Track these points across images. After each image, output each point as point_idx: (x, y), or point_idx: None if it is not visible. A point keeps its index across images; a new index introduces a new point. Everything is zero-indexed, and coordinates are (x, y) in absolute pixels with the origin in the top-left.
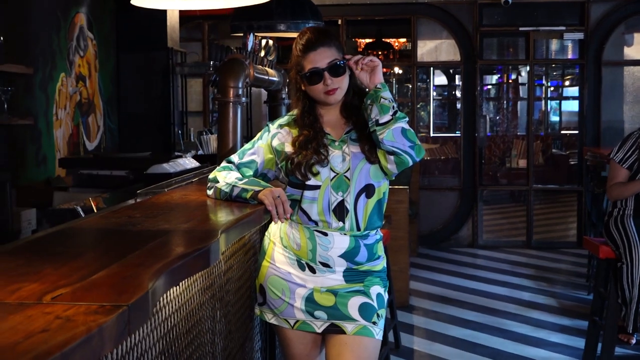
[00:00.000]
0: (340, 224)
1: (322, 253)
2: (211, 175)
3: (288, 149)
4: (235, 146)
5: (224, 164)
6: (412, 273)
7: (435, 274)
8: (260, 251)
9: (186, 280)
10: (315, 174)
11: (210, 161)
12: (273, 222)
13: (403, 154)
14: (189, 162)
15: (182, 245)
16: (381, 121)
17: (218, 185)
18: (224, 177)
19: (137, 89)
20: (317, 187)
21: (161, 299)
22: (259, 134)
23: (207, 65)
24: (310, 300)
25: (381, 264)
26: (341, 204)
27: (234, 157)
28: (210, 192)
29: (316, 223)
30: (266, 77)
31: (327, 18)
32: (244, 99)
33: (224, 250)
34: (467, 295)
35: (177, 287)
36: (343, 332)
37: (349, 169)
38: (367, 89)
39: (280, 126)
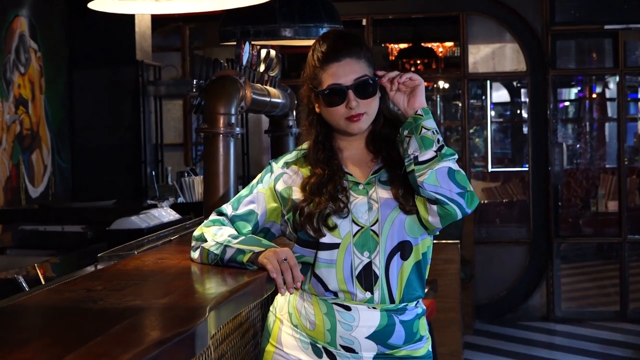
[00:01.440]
0: (368, 294)
1: (344, 334)
2: (196, 232)
3: (296, 195)
4: (228, 192)
5: (213, 216)
6: (466, 357)
7: (499, 357)
8: (264, 332)
9: None
10: (332, 228)
11: (194, 212)
12: (279, 294)
13: (449, 204)
14: (165, 213)
15: (159, 327)
16: (421, 158)
17: (206, 245)
18: (213, 234)
19: (97, 116)
20: (335, 246)
21: None
22: (259, 176)
23: (189, 84)
24: None
25: (425, 348)
26: (368, 268)
27: (227, 208)
28: (195, 255)
29: (335, 294)
30: (267, 100)
31: (347, 17)
32: (238, 129)
33: (214, 333)
34: None
35: None
36: None
37: (377, 221)
38: (403, 116)
39: (287, 164)
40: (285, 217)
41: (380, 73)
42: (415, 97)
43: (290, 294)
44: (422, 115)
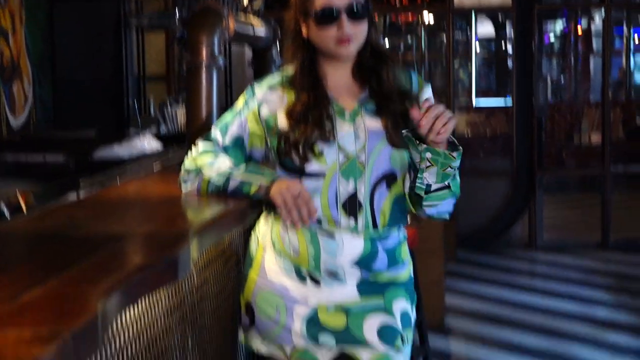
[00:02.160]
0: (352, 222)
1: (328, 260)
2: (188, 163)
3: (281, 121)
4: (210, 124)
5: (203, 145)
6: (448, 285)
7: (480, 285)
8: (246, 259)
9: (147, 298)
10: (318, 156)
11: (176, 142)
12: (262, 220)
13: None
14: (148, 143)
15: (141, 253)
16: (434, 188)
17: (206, 175)
18: (209, 164)
19: (78, 47)
20: (320, 175)
21: (114, 323)
22: (241, 100)
23: (172, 16)
24: (313, 322)
25: (406, 272)
26: (353, 196)
27: (217, 134)
28: (189, 186)
29: (319, 221)
30: (251, 31)
31: None
32: (221, 60)
33: (196, 260)
34: (523, 314)
35: (136, 307)
36: None
37: (364, 151)
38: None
39: (271, 88)
40: (270, 144)
41: (425, 105)
42: (447, 133)
43: (306, 226)
44: (454, 158)
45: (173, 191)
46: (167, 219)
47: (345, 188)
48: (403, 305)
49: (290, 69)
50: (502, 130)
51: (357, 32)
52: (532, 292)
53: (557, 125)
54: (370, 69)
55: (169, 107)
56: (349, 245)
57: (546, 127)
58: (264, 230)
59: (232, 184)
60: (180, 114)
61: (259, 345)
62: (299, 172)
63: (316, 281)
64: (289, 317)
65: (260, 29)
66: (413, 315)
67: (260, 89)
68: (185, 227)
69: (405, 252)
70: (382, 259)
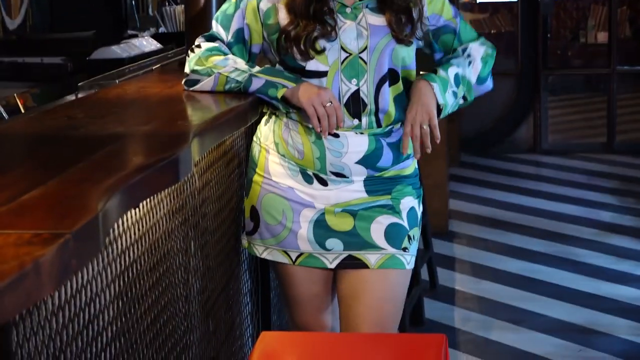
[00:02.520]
0: (356, 121)
1: (333, 161)
2: (194, 63)
3: (282, 15)
4: (210, 20)
5: (206, 43)
6: (452, 189)
7: (484, 189)
8: (249, 162)
9: (149, 200)
10: (320, 52)
11: (176, 42)
12: (263, 122)
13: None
14: (147, 43)
15: (142, 153)
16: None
17: (224, 71)
18: (222, 62)
19: None
20: (322, 74)
21: (116, 225)
22: None
23: None
24: (320, 225)
25: (412, 166)
26: (356, 95)
27: (219, 29)
28: (197, 87)
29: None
30: None
31: None
32: None
33: (198, 160)
34: (527, 217)
35: (137, 209)
36: (364, 265)
37: (366, 47)
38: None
39: None
40: (269, 39)
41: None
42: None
43: (331, 133)
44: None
45: (173, 91)
46: (167, 119)
47: (348, 87)
48: (410, 201)
49: None
50: (507, 29)
51: None
52: (536, 196)
53: (563, 23)
54: None
55: (168, 6)
56: (354, 144)
57: (551, 25)
58: (266, 132)
59: (256, 83)
60: (179, 12)
61: (262, 251)
62: (300, 71)
63: (323, 182)
64: (295, 221)
65: None
66: (420, 211)
67: None
68: (185, 128)
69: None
70: (387, 155)
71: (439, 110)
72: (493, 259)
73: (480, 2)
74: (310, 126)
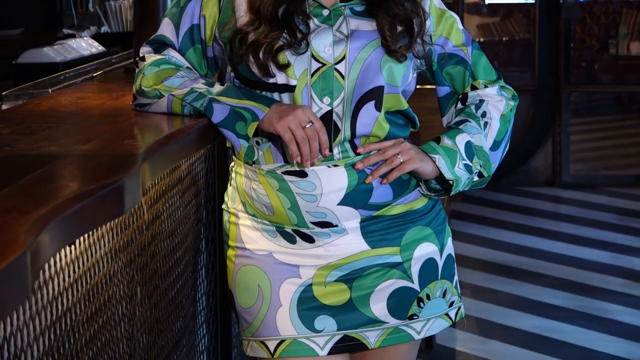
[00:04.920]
0: (326, 152)
1: (310, 208)
2: (138, 81)
3: (241, 10)
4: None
5: (152, 54)
6: (453, 228)
7: (492, 229)
8: (223, 236)
9: (88, 236)
10: (284, 67)
11: (121, 43)
12: (230, 181)
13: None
14: (86, 45)
15: (80, 178)
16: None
17: (177, 93)
18: (174, 80)
19: None
20: (287, 89)
21: (47, 265)
22: None
23: None
24: (307, 301)
25: (422, 198)
26: (327, 117)
27: (168, 31)
28: (147, 108)
29: (283, 158)
30: None
31: None
32: None
33: (147, 188)
34: (544, 264)
35: (74, 246)
36: (362, 346)
37: (344, 57)
38: None
39: None
40: (221, 37)
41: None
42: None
43: (314, 164)
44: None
45: (118, 103)
46: (111, 137)
47: (319, 107)
48: (426, 250)
49: None
50: (522, 36)
51: None
52: (555, 238)
53: (589, 30)
54: None
55: (111, 1)
56: (328, 181)
57: (575, 32)
58: (232, 193)
59: (219, 112)
60: (125, 8)
61: (247, 347)
62: (256, 85)
63: (308, 238)
64: (274, 297)
65: None
66: (444, 257)
67: None
68: (133, 148)
69: None
70: (381, 188)
71: (448, 186)
72: (503, 314)
73: (490, 3)
74: (271, 168)
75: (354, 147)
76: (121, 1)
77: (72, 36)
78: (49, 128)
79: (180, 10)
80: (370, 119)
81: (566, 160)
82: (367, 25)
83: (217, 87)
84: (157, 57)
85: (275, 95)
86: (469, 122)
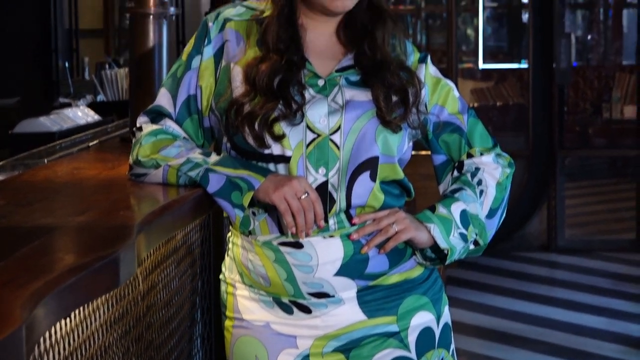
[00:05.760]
0: (321, 223)
1: (306, 279)
2: (135, 152)
3: (237, 80)
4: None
5: (149, 124)
6: (449, 294)
7: (488, 295)
8: (221, 306)
9: (83, 308)
10: (279, 138)
11: (117, 112)
12: (227, 252)
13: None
14: (82, 114)
15: (75, 251)
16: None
17: (173, 163)
18: (170, 150)
19: None
20: (282, 160)
21: (42, 338)
22: (191, 41)
23: None
24: None
25: (418, 266)
26: (323, 188)
27: (165, 102)
28: (144, 179)
29: (279, 229)
30: None
31: None
32: (172, 9)
33: (142, 259)
34: (539, 330)
35: (69, 319)
36: None
37: (339, 127)
38: None
39: (230, 23)
40: (217, 107)
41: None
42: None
43: (308, 235)
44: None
45: (113, 174)
46: (107, 208)
47: (314, 178)
48: (423, 319)
49: (257, 5)
50: (516, 100)
51: None
52: (551, 304)
53: (583, 94)
54: (362, 28)
55: (108, 69)
56: (324, 252)
57: (569, 96)
58: (229, 262)
59: (215, 182)
60: (121, 76)
61: None
62: (252, 155)
63: (305, 309)
64: None
65: None
66: (440, 325)
67: (217, 26)
68: (128, 219)
69: None
70: (377, 258)
71: (443, 255)
72: None
73: (483, 68)
74: (267, 239)
75: (350, 218)
76: (117, 70)
77: (69, 105)
78: (44, 199)
79: (177, 80)
80: (366, 189)
81: (561, 225)
82: (362, 95)
83: (214, 157)
84: (154, 127)
85: (271, 166)
86: (465, 190)
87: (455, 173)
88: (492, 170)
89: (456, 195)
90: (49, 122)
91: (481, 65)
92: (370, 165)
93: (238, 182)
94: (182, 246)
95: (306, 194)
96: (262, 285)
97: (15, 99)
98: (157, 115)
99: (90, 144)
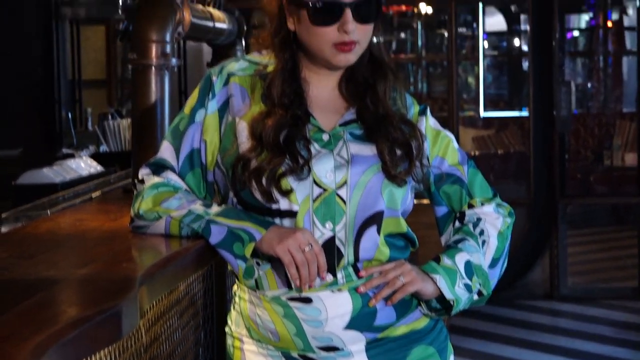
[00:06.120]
0: (329, 277)
1: (316, 334)
2: (137, 204)
3: (242, 136)
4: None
5: (150, 177)
6: (454, 343)
7: (491, 344)
8: (226, 357)
9: None
10: (287, 193)
11: (120, 163)
12: (232, 305)
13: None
14: (85, 165)
15: (78, 303)
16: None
17: (175, 215)
18: (172, 202)
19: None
20: (289, 215)
21: None
22: (195, 95)
23: (114, 5)
24: None
25: (424, 317)
26: (330, 243)
27: (167, 154)
28: (146, 230)
29: (287, 284)
30: (210, 24)
31: None
32: (174, 60)
33: (145, 311)
34: None
35: None
36: None
37: (345, 182)
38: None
39: (234, 78)
40: (223, 162)
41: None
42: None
43: (311, 287)
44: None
45: (116, 225)
46: (110, 260)
47: (321, 233)
48: None
49: (260, 59)
50: (517, 148)
51: (362, 37)
52: (553, 352)
53: (583, 142)
54: (364, 81)
55: (111, 120)
56: (333, 306)
57: (570, 144)
58: (236, 317)
59: (217, 233)
60: (124, 127)
61: None
62: (259, 210)
63: None
64: None
65: (221, 21)
66: None
67: (221, 80)
68: (131, 271)
69: None
70: (385, 310)
71: (448, 306)
72: None
73: (484, 116)
74: (276, 294)
75: (357, 271)
76: (119, 120)
77: (72, 155)
78: (47, 251)
79: (180, 134)
80: (372, 243)
81: (563, 273)
82: (367, 150)
83: (215, 208)
84: (156, 179)
85: (277, 221)
86: (468, 240)
87: (457, 224)
88: (494, 220)
89: (459, 245)
90: (52, 173)
91: (482, 113)
92: (376, 219)
93: (239, 234)
94: (184, 297)
95: (310, 246)
96: (271, 340)
97: (18, 150)
98: (159, 168)
99: (93, 195)
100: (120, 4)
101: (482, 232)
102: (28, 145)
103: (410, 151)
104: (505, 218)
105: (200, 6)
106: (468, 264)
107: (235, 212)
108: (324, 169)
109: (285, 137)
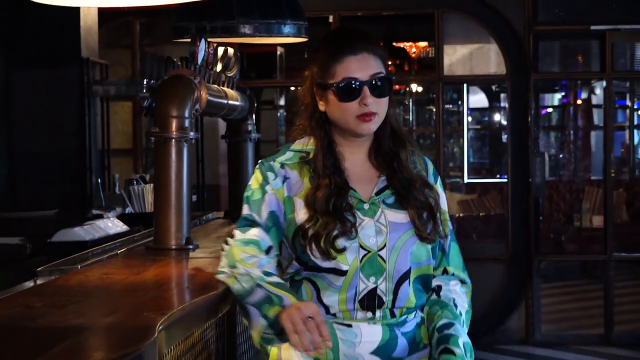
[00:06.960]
0: (369, 314)
1: (347, 351)
2: (231, 252)
3: (300, 210)
4: (181, 202)
5: (244, 233)
6: None
7: None
8: (260, 354)
9: None
10: (340, 251)
11: (143, 223)
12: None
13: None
14: (112, 224)
15: (103, 348)
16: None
17: (237, 271)
18: (242, 260)
19: (37, 118)
20: (341, 273)
21: None
22: (258, 177)
23: (139, 84)
24: None
25: (427, 357)
26: (372, 293)
27: (253, 215)
28: (221, 276)
29: (334, 315)
30: (224, 102)
31: (312, 14)
32: (192, 133)
33: (164, 355)
34: None
35: None
36: None
37: (385, 245)
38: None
39: (287, 167)
40: (284, 234)
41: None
42: None
43: (320, 354)
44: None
45: (138, 278)
46: (132, 310)
47: (366, 285)
48: None
49: (302, 146)
50: (497, 211)
51: (380, 108)
52: None
53: (556, 205)
54: (390, 151)
55: (135, 185)
56: (367, 334)
57: (544, 207)
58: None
59: (257, 295)
60: (147, 191)
61: None
62: (317, 269)
63: None
64: None
65: (234, 99)
66: None
67: (276, 165)
68: (151, 320)
69: (425, 335)
70: (402, 345)
71: None
72: None
73: (468, 182)
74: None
75: (393, 313)
76: (144, 185)
77: (100, 216)
78: (77, 302)
79: (257, 202)
80: (405, 294)
81: (538, 321)
82: (401, 217)
83: (271, 278)
84: (245, 236)
85: (330, 276)
86: (456, 322)
87: (434, 296)
88: (462, 302)
89: (452, 328)
90: (83, 232)
91: (466, 179)
92: (408, 275)
93: (273, 296)
94: (199, 342)
95: (310, 318)
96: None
97: (54, 211)
98: (249, 224)
99: (119, 251)
100: (145, 83)
101: (461, 313)
102: (62, 206)
103: (433, 212)
104: (468, 292)
105: (215, 86)
106: (466, 345)
107: (282, 284)
108: (367, 234)
109: (333, 205)
